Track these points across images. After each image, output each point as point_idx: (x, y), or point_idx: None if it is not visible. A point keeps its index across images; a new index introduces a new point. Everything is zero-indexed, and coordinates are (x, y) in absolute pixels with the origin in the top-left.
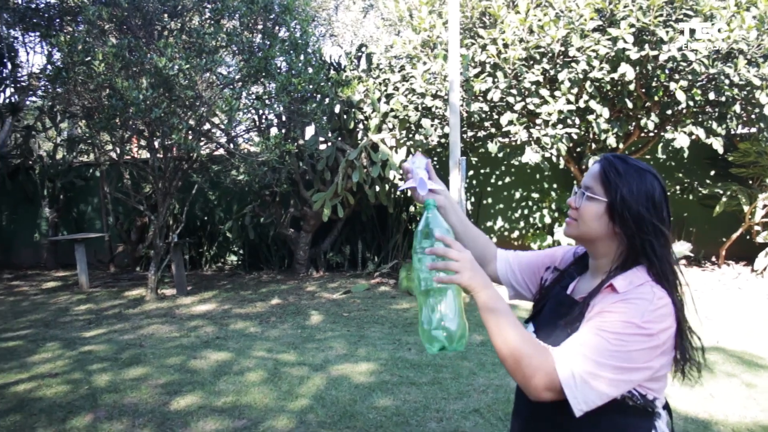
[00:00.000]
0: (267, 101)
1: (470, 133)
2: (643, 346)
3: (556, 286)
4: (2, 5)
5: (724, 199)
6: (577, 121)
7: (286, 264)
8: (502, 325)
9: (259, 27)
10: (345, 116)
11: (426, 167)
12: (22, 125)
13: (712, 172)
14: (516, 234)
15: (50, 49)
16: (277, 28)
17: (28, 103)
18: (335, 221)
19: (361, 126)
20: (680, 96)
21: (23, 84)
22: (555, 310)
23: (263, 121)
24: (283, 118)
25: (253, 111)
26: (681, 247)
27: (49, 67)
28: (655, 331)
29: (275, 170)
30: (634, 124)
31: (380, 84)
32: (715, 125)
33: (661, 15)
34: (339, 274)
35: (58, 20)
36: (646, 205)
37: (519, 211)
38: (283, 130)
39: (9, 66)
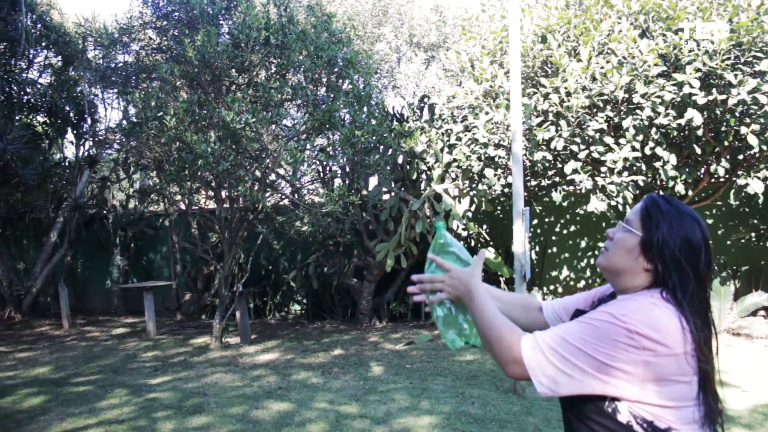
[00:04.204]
0: (331, 153)
1: (534, 182)
2: (613, 336)
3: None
4: (86, 66)
5: None
6: (644, 168)
7: (349, 314)
8: (480, 311)
9: (323, 80)
10: (408, 167)
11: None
12: (98, 177)
13: None
14: (582, 283)
15: (126, 105)
16: (340, 81)
17: (104, 155)
18: (398, 271)
19: (423, 176)
20: (752, 140)
21: (101, 138)
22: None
23: (327, 172)
24: (347, 169)
25: (317, 162)
26: (759, 298)
27: (124, 122)
28: (633, 329)
29: (339, 221)
30: (703, 170)
31: (443, 134)
32: None
33: (729, 58)
34: (402, 325)
35: (134, 78)
36: (681, 247)
37: (585, 261)
38: (347, 181)
39: (89, 121)
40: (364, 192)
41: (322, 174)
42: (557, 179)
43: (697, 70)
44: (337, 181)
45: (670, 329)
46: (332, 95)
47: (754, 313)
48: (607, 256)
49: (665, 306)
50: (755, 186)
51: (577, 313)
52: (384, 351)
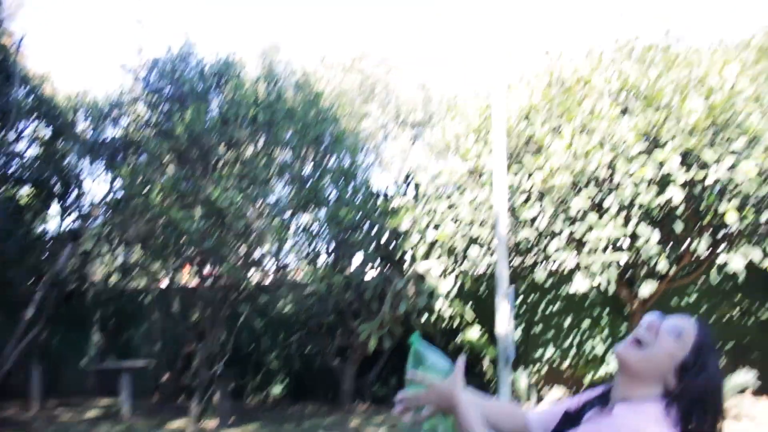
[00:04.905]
0: (316, 231)
1: (518, 261)
2: None
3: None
4: (75, 139)
5: None
6: (627, 245)
7: (331, 395)
8: (467, 425)
9: (310, 157)
10: (392, 245)
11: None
12: (80, 251)
13: None
14: (567, 363)
15: (113, 179)
16: (327, 157)
17: (87, 229)
18: (381, 352)
19: (408, 254)
20: (731, 218)
21: (85, 212)
22: (559, 428)
23: (312, 250)
24: (332, 247)
25: (302, 239)
26: (746, 376)
27: (110, 196)
28: None
29: (322, 300)
30: (684, 247)
31: (428, 212)
32: None
33: (707, 136)
34: (385, 407)
35: (122, 152)
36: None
37: (569, 340)
38: (332, 258)
39: (75, 194)
40: (348, 270)
41: (307, 252)
42: (541, 258)
43: (677, 148)
44: (322, 259)
45: None
46: (319, 172)
47: (741, 392)
48: (641, 353)
49: (662, 424)
50: (735, 263)
51: (566, 416)
52: None
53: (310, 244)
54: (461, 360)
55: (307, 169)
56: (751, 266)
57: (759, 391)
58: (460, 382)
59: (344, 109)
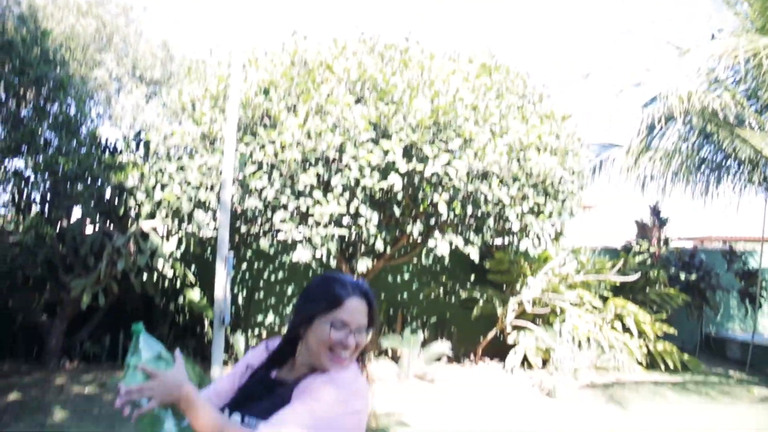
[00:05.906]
0: (30, 178)
1: (245, 228)
2: (343, 420)
3: (256, 374)
4: None
5: (481, 302)
6: (348, 220)
7: (36, 353)
8: (206, 418)
9: (29, 99)
10: (116, 201)
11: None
12: None
13: (473, 277)
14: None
15: None
16: (49, 102)
17: None
18: (96, 309)
19: (132, 213)
20: (442, 208)
21: None
22: (262, 393)
23: (24, 198)
24: (47, 197)
25: (12, 186)
26: (442, 347)
27: None
28: (358, 408)
29: (30, 252)
30: (401, 230)
31: (156, 172)
32: (472, 235)
33: (428, 133)
34: (96, 366)
35: None
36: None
37: (290, 307)
38: (46, 208)
39: None
40: (64, 223)
41: (16, 198)
42: (267, 227)
43: (402, 140)
44: (34, 209)
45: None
46: (37, 116)
47: (438, 359)
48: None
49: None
50: (442, 248)
51: (255, 372)
52: (71, 395)
53: (21, 192)
54: (179, 353)
55: (25, 110)
56: (455, 252)
57: (452, 359)
58: (184, 373)
59: (74, 54)
